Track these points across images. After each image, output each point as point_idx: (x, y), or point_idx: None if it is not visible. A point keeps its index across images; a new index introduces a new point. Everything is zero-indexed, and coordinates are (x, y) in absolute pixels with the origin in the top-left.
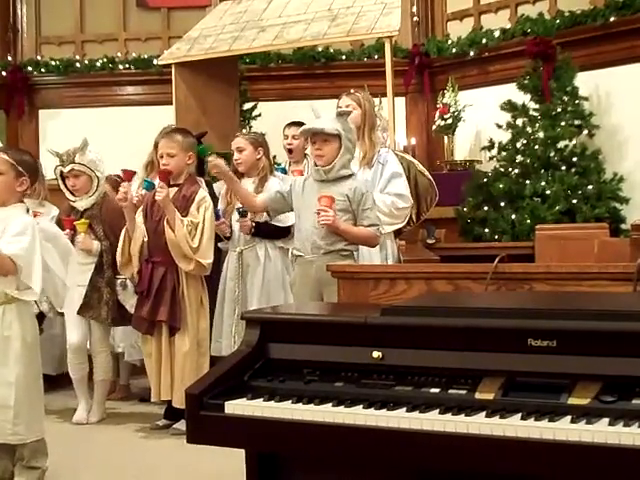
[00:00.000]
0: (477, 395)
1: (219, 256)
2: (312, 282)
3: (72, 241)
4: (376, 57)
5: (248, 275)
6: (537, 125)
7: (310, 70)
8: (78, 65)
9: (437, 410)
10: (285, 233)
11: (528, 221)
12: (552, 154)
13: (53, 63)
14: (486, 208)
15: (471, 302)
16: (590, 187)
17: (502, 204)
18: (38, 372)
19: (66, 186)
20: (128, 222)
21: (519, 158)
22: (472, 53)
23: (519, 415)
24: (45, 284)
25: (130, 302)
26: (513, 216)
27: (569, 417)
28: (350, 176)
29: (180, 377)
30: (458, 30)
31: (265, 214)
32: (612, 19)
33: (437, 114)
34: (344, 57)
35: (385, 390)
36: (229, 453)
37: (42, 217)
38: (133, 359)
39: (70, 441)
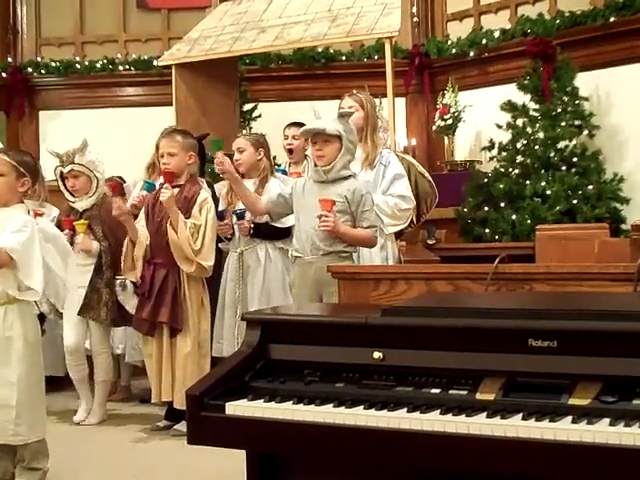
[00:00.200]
0: (478, 395)
1: (219, 257)
2: (311, 283)
3: (71, 242)
4: (376, 58)
5: (249, 276)
6: (537, 125)
7: (310, 71)
8: (78, 66)
9: (438, 411)
10: (285, 234)
11: (528, 221)
12: (552, 154)
13: (53, 64)
14: (486, 208)
15: (471, 302)
16: (590, 187)
17: (502, 204)
18: (40, 372)
19: (66, 187)
20: (129, 230)
21: (519, 158)
22: (472, 53)
23: (520, 415)
24: (46, 285)
25: (130, 303)
26: (513, 216)
27: (570, 417)
28: (349, 177)
29: (182, 378)
30: (458, 30)
31: (266, 216)
32: (612, 19)
33: (437, 114)
34: (344, 58)
35: (386, 391)
36: (230, 454)
37: (42, 218)
38: (134, 360)
39: (71, 442)
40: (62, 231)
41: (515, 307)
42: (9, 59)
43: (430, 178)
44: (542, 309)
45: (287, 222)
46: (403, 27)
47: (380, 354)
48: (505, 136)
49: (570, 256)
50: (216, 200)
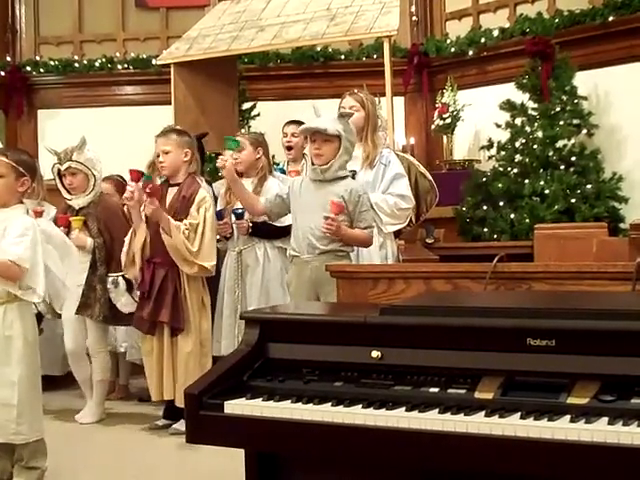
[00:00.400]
0: (476, 394)
1: (217, 256)
2: (308, 282)
3: None
4: (375, 57)
5: (247, 275)
6: (536, 124)
7: (309, 70)
8: (77, 65)
9: (436, 410)
10: (284, 233)
11: (527, 220)
12: (551, 153)
13: (52, 63)
14: (485, 207)
15: (470, 301)
16: (589, 186)
17: (501, 203)
18: (38, 371)
19: (63, 184)
20: (135, 221)
21: (518, 157)
22: (471, 52)
23: (518, 414)
24: (46, 286)
25: (121, 300)
26: (512, 215)
27: (568, 416)
28: (346, 177)
29: (183, 377)
30: (457, 29)
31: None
32: (611, 18)
33: (436, 114)
34: (343, 57)
35: (384, 390)
36: (228, 453)
37: (42, 217)
38: (134, 359)
39: (69, 441)
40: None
41: (514, 306)
42: (8, 58)
43: (430, 177)
44: (541, 308)
45: (285, 221)
46: (402, 26)
47: (379, 353)
48: (504, 135)
49: (569, 255)
50: (214, 199)
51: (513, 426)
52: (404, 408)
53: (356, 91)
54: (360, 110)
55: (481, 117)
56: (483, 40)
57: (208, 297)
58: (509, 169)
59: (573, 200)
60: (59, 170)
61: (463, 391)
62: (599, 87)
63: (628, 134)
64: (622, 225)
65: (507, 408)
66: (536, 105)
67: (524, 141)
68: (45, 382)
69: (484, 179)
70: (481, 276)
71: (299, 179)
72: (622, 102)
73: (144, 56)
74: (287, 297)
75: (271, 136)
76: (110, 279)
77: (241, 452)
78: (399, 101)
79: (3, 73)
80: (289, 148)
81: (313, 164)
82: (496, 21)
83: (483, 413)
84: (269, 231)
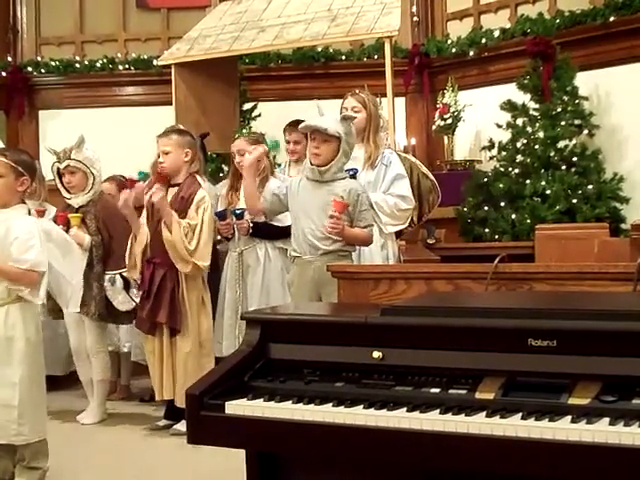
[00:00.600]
0: (477, 395)
1: (216, 257)
2: (310, 282)
3: None
4: (376, 57)
5: (248, 275)
6: (537, 125)
7: (310, 70)
8: (78, 66)
9: (437, 410)
10: (285, 233)
11: (528, 221)
12: (552, 154)
13: (53, 64)
14: (486, 208)
15: (471, 302)
16: (590, 187)
17: (502, 204)
18: (41, 372)
19: (62, 183)
20: (132, 225)
21: (519, 158)
22: (472, 53)
23: (519, 415)
24: (49, 284)
25: (118, 298)
26: (513, 216)
27: (569, 417)
28: (344, 177)
29: (182, 377)
30: (458, 30)
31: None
32: (612, 19)
33: (437, 114)
34: (344, 57)
35: (385, 390)
36: (229, 453)
37: (44, 217)
38: (139, 359)
39: (70, 441)
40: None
41: (515, 307)
42: (9, 58)
43: (433, 178)
44: (542, 309)
45: (286, 221)
46: (403, 26)
47: (380, 353)
48: (505, 135)
49: (570, 256)
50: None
51: (514, 426)
52: (405, 408)
53: (358, 92)
54: (362, 111)
55: (482, 117)
56: (484, 40)
57: (208, 296)
58: (510, 169)
59: (574, 200)
60: (58, 169)
61: (464, 391)
62: (600, 87)
63: (629, 134)
64: (623, 226)
65: (508, 408)
66: (537, 105)
67: (525, 141)
68: (47, 382)
69: (485, 179)
70: (482, 276)
71: (297, 179)
72: (623, 102)
73: (145, 57)
74: (288, 298)
75: (272, 136)
76: (107, 277)
77: (242, 452)
78: (400, 102)
79: (4, 73)
80: (293, 153)
81: (311, 164)
82: (497, 21)
83: (484, 413)
84: (270, 231)
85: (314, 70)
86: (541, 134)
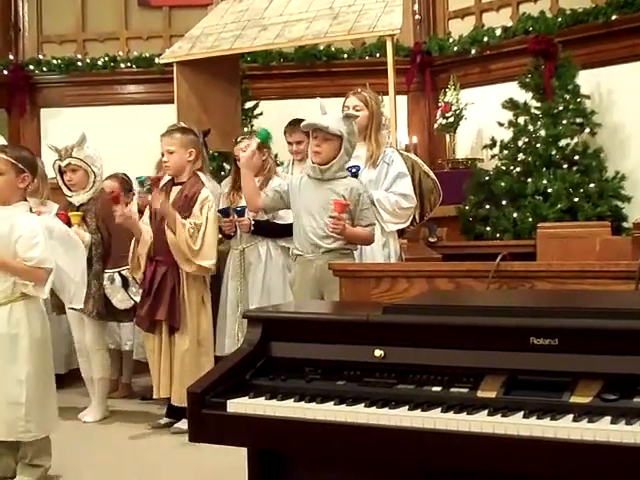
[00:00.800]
0: (479, 393)
1: (218, 256)
2: (312, 281)
3: None
4: (378, 55)
5: (250, 273)
6: (539, 123)
7: (312, 69)
8: (80, 64)
9: (439, 408)
10: (287, 231)
11: (530, 219)
12: (554, 152)
13: (55, 62)
14: (488, 206)
15: (473, 300)
16: (592, 185)
17: (504, 202)
18: (49, 369)
19: (64, 181)
20: (134, 231)
21: (521, 156)
22: (474, 51)
23: (521, 413)
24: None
25: (117, 297)
26: (515, 214)
27: (571, 415)
28: (346, 176)
29: (179, 376)
30: (460, 28)
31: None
32: (614, 17)
33: (439, 112)
34: (346, 55)
35: (387, 388)
36: (231, 451)
37: (44, 215)
38: (141, 357)
39: (72, 439)
40: None
41: (516, 305)
42: (10, 56)
43: (434, 177)
44: (543, 307)
45: (288, 219)
46: (405, 25)
47: (381, 352)
48: (506, 134)
49: (571, 254)
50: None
51: (516, 425)
52: (407, 407)
53: (360, 90)
54: (364, 109)
55: (484, 116)
56: (486, 39)
57: (209, 296)
58: (512, 168)
59: (576, 199)
60: (60, 167)
61: (466, 390)
62: (602, 86)
63: (631, 133)
64: (625, 224)
65: (510, 407)
66: (539, 104)
67: (527, 140)
68: None
69: (487, 178)
70: (484, 275)
71: (298, 177)
72: (625, 101)
73: (147, 55)
74: (289, 296)
75: (274, 135)
76: (106, 275)
77: (243, 451)
78: (402, 100)
79: (6, 72)
80: (297, 153)
81: (313, 162)
82: (499, 20)
83: (486, 412)
84: (272, 229)
85: (316, 68)
86: (543, 132)
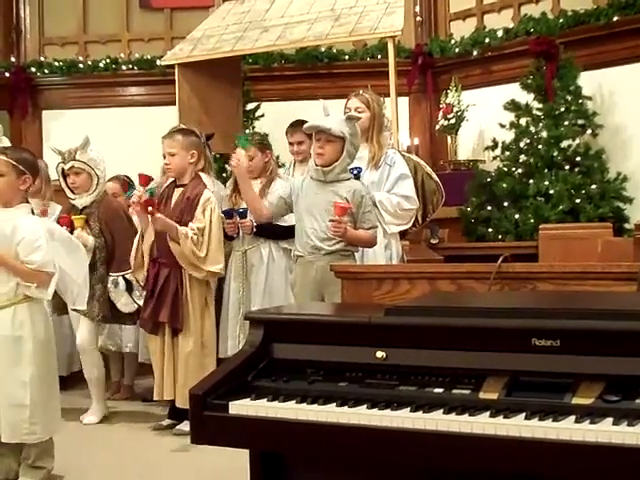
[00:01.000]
0: (481, 395)
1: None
2: (313, 282)
3: None
4: (379, 57)
5: (252, 275)
6: (540, 125)
7: (313, 70)
8: (81, 66)
9: (441, 410)
10: (289, 233)
11: (531, 221)
12: (555, 154)
13: (56, 64)
14: (489, 208)
15: (474, 302)
16: (594, 187)
17: (505, 204)
18: (52, 371)
19: (67, 184)
20: (141, 224)
21: (522, 158)
22: (475, 53)
23: (523, 415)
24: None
25: (121, 300)
26: (516, 216)
27: (573, 417)
28: (349, 178)
29: (183, 378)
30: (461, 30)
31: None
32: (615, 18)
33: (440, 114)
34: (347, 57)
35: (389, 390)
36: (233, 453)
37: (46, 217)
38: (146, 359)
39: (74, 440)
40: None
41: (518, 306)
42: (12, 59)
43: (437, 179)
44: (545, 308)
45: (291, 220)
46: (406, 26)
47: (383, 353)
48: (508, 135)
49: (573, 255)
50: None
51: (518, 426)
52: (409, 408)
53: (361, 92)
54: (365, 111)
55: (485, 117)
56: (487, 40)
57: (212, 297)
58: (513, 169)
59: (578, 200)
60: (63, 169)
61: (468, 391)
62: (603, 87)
63: (633, 134)
64: (627, 225)
65: (512, 408)
66: (540, 105)
67: (528, 141)
68: None
69: (488, 179)
70: (485, 276)
71: (301, 178)
72: (627, 102)
73: (148, 57)
74: (291, 298)
75: (275, 136)
76: (110, 279)
77: (245, 452)
78: (403, 101)
79: (8, 74)
80: (298, 154)
81: (315, 164)
82: (500, 21)
83: (488, 413)
84: (275, 231)
85: (317, 70)
86: (544, 134)
